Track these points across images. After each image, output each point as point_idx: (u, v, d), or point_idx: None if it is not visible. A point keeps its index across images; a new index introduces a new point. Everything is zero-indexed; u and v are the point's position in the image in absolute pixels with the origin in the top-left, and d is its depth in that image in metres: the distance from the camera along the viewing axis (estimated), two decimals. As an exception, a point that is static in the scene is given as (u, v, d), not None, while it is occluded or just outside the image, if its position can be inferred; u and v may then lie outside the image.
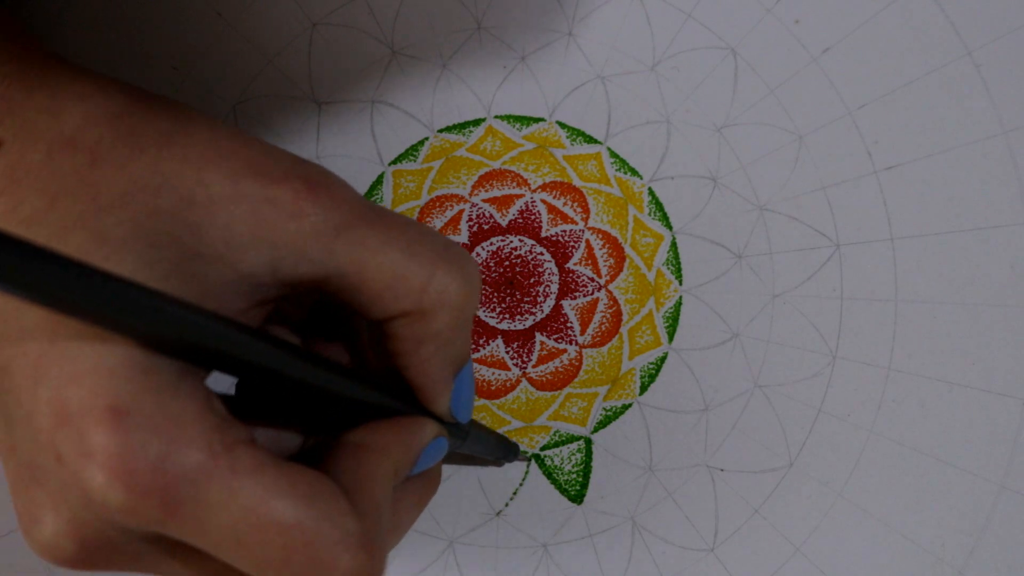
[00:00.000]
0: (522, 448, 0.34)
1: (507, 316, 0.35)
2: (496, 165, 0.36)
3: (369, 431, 0.22)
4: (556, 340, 0.35)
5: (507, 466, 0.34)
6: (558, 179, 0.36)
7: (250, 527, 0.18)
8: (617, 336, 0.35)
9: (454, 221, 0.36)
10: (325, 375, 0.20)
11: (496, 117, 0.37)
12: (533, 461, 0.34)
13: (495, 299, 0.35)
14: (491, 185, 0.36)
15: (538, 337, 0.35)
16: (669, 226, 0.36)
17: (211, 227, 0.19)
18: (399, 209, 0.36)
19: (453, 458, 0.34)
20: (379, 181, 0.36)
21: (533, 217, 0.36)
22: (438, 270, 0.20)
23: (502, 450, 0.31)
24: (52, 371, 0.17)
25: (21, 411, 0.18)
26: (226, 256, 0.19)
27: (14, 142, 0.19)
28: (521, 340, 0.35)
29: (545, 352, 0.35)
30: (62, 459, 0.17)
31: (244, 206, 0.19)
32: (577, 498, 0.34)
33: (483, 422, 0.35)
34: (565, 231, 0.36)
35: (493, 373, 0.35)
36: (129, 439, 0.17)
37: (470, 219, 0.36)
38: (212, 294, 0.19)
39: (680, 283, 0.35)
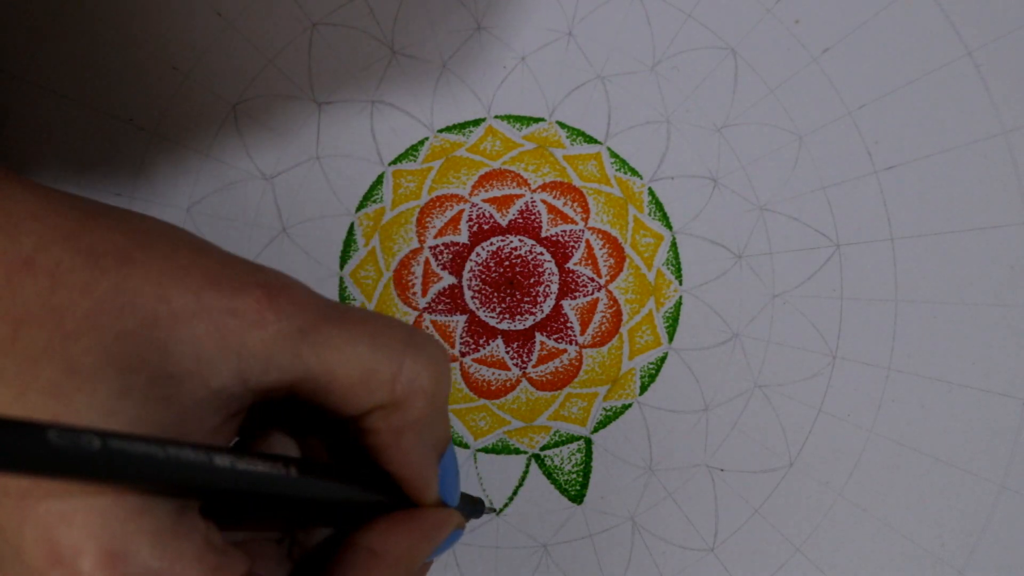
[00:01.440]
0: (488, 504, 0.34)
1: (507, 316, 0.35)
2: (496, 165, 0.36)
3: (380, 533, 0.21)
4: (556, 340, 0.35)
5: (507, 465, 0.34)
6: (558, 179, 0.36)
7: None
8: (617, 336, 0.35)
9: (454, 221, 0.36)
10: (321, 487, 0.20)
11: (496, 117, 0.37)
12: (533, 461, 0.34)
13: (495, 299, 0.35)
14: (491, 185, 0.36)
15: (538, 337, 0.35)
16: (669, 226, 0.36)
17: (177, 344, 0.19)
18: (399, 209, 0.36)
19: None
20: (379, 181, 0.36)
21: (533, 217, 0.36)
22: (407, 359, 0.20)
23: (474, 510, 0.31)
24: (39, 509, 0.17)
25: (9, 547, 0.18)
26: (195, 373, 0.19)
27: None
28: (521, 340, 0.35)
29: (545, 352, 0.35)
30: None
31: (207, 320, 0.19)
32: (577, 498, 0.34)
33: (482, 422, 0.35)
34: (565, 231, 0.36)
35: (493, 373, 0.35)
36: None
37: (470, 219, 0.36)
38: (187, 414, 0.19)
39: (680, 283, 0.36)
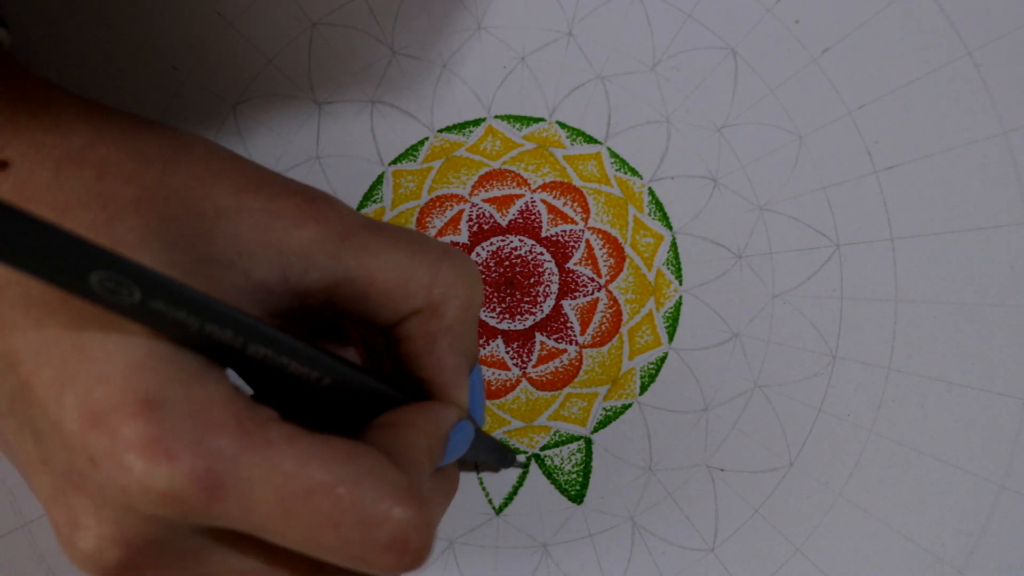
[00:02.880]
0: (520, 451, 0.34)
1: (507, 316, 0.35)
2: (496, 165, 0.36)
3: (396, 413, 0.22)
4: (556, 340, 0.35)
5: (507, 466, 0.34)
6: (558, 179, 0.36)
7: (295, 495, 0.18)
8: (617, 336, 0.35)
9: (454, 221, 0.36)
10: (349, 371, 0.20)
11: (496, 117, 0.37)
12: (533, 461, 0.34)
13: (495, 299, 0.35)
14: (491, 185, 0.36)
15: (538, 337, 0.35)
16: (669, 226, 0.36)
17: (220, 236, 0.19)
18: (399, 209, 0.36)
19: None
20: (379, 181, 0.36)
21: (533, 217, 0.36)
22: (443, 266, 0.21)
23: (501, 454, 0.31)
24: (79, 375, 0.17)
25: (48, 422, 0.18)
26: (238, 263, 0.19)
27: (23, 161, 0.20)
28: (521, 340, 0.35)
29: (545, 352, 0.35)
30: (97, 461, 0.17)
31: (250, 218, 0.20)
32: (577, 498, 0.34)
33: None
34: (565, 231, 0.36)
35: (493, 373, 0.35)
36: (164, 427, 0.17)
37: (470, 219, 0.36)
38: (227, 299, 0.19)
39: (680, 283, 0.36)
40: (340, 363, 0.20)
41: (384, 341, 0.23)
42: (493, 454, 0.31)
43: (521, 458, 0.34)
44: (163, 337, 0.18)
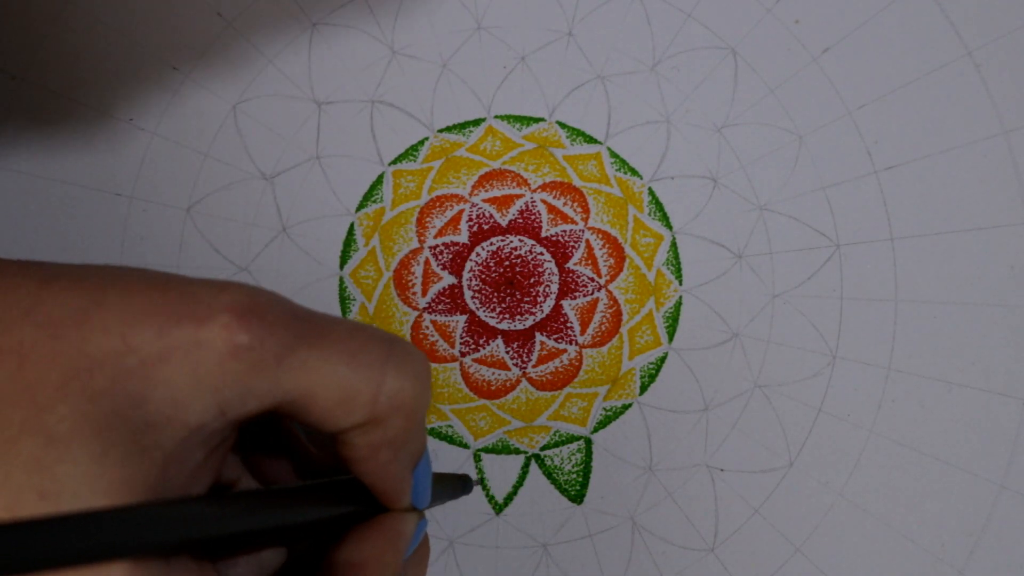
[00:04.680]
0: (472, 476, 0.34)
1: (507, 316, 0.35)
2: (496, 165, 0.36)
3: (355, 544, 0.22)
4: (556, 340, 0.35)
5: (507, 465, 0.34)
6: (558, 179, 0.36)
7: None
8: (617, 336, 0.35)
9: (454, 221, 0.36)
10: (292, 514, 0.21)
11: (496, 117, 0.37)
12: (533, 461, 0.34)
13: (495, 299, 0.35)
14: (491, 185, 0.36)
15: (538, 337, 0.35)
16: (669, 226, 0.36)
17: (152, 390, 0.19)
18: (399, 209, 0.36)
19: None
20: (379, 181, 0.36)
21: (533, 217, 0.36)
22: (387, 376, 0.20)
23: (455, 493, 0.31)
24: None
25: None
26: (173, 416, 0.19)
27: None
28: (521, 340, 0.35)
29: (545, 352, 0.35)
30: None
31: (178, 358, 0.19)
32: (577, 498, 0.34)
33: (482, 422, 0.35)
34: (565, 231, 0.36)
35: (493, 373, 0.35)
36: None
37: (470, 219, 0.36)
38: (170, 458, 0.19)
39: (680, 283, 0.36)
40: (283, 510, 0.21)
41: (322, 439, 0.23)
42: (449, 498, 0.30)
43: (472, 479, 0.34)
44: (118, 562, 0.18)
